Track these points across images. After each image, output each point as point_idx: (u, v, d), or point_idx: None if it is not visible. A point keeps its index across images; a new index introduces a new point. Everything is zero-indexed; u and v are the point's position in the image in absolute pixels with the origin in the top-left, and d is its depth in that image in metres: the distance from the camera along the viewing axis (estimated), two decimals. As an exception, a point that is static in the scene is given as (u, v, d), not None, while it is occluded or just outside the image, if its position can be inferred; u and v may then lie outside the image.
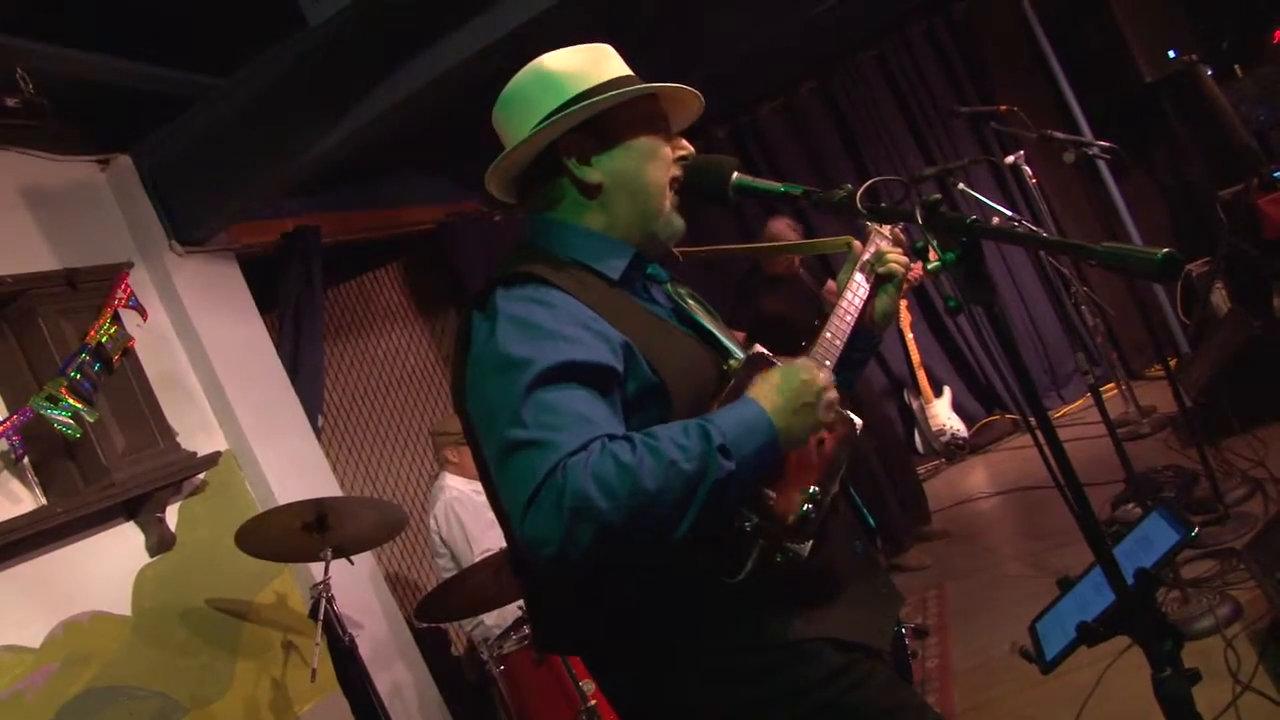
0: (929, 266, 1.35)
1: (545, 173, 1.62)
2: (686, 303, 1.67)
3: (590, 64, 1.61)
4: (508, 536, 1.63)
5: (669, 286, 1.69)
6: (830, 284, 5.16)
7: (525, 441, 1.33)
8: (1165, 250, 1.13)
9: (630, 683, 1.56)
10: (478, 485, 4.30)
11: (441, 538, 4.16)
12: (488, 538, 4.10)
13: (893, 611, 1.68)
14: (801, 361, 1.49)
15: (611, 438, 1.32)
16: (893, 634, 1.70)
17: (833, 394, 1.46)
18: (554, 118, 1.55)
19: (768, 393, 1.42)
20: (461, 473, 4.31)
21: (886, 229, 1.82)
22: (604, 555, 1.29)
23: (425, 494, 5.33)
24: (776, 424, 1.39)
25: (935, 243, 1.35)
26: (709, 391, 1.50)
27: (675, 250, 1.75)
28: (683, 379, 1.48)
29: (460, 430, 4.67)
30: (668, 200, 1.62)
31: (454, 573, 3.88)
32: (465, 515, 4.15)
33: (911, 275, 1.84)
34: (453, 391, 1.57)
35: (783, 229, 5.04)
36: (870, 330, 1.81)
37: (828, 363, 1.61)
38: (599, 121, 1.58)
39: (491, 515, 4.56)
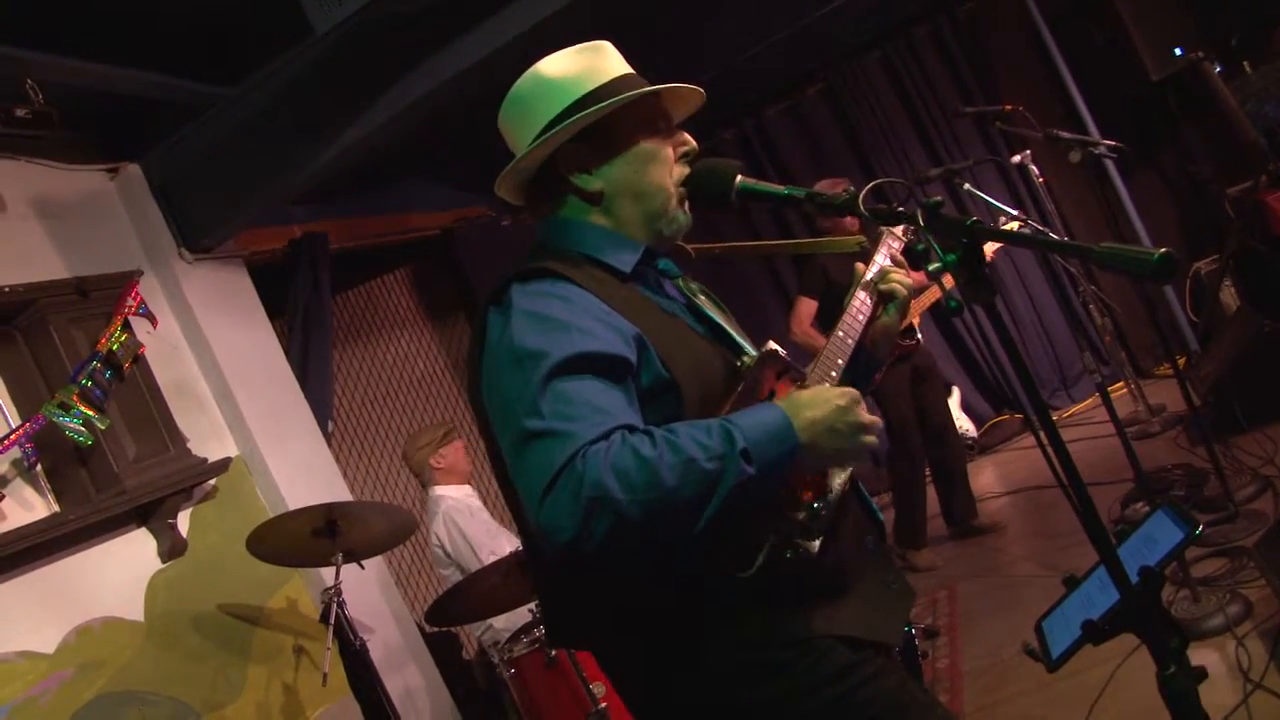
0: (930, 268, 1.36)
1: (548, 182, 1.64)
2: (698, 298, 1.69)
3: (587, 66, 1.61)
4: (522, 528, 1.65)
5: (680, 282, 1.70)
6: None
7: (542, 431, 1.34)
8: (1162, 250, 1.14)
9: (641, 679, 1.57)
10: (468, 489, 4.30)
11: (446, 552, 4.12)
12: (494, 543, 4.09)
13: (905, 608, 1.68)
14: (829, 389, 1.47)
15: (631, 430, 1.34)
16: (905, 630, 1.70)
17: (867, 431, 1.45)
18: (549, 132, 1.57)
19: (796, 407, 1.42)
20: (450, 478, 4.27)
21: (897, 238, 1.83)
22: (619, 547, 1.30)
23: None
24: (801, 437, 1.39)
25: (936, 244, 1.36)
26: (719, 387, 1.51)
27: (689, 247, 1.76)
28: (693, 374, 1.49)
29: (435, 437, 4.64)
30: (672, 199, 1.63)
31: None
32: (466, 524, 4.13)
33: (914, 280, 1.84)
34: (469, 386, 1.58)
35: (828, 187, 4.99)
36: (870, 353, 1.80)
37: (841, 360, 1.62)
38: (597, 128, 1.59)
39: (488, 517, 4.51)
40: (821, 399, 1.44)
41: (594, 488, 1.27)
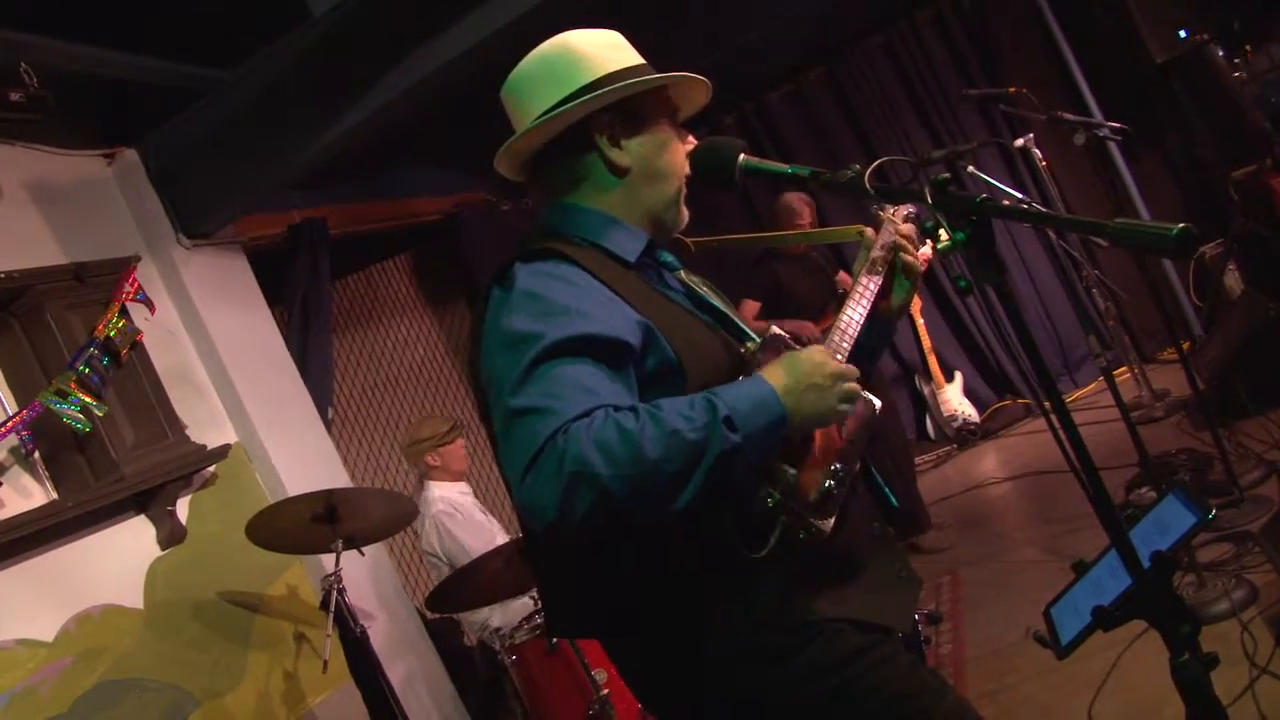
0: (939, 247, 1.34)
1: (569, 150, 1.62)
2: (700, 289, 1.68)
3: (613, 48, 1.63)
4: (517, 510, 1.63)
5: (682, 274, 1.69)
6: (842, 274, 5.20)
7: (526, 409, 1.33)
8: (1181, 225, 1.11)
9: (647, 665, 1.56)
10: (463, 485, 4.28)
11: (438, 554, 4.12)
12: (484, 544, 4.06)
13: (913, 594, 1.67)
14: (815, 347, 1.48)
15: (616, 408, 1.32)
16: (913, 616, 1.69)
17: (848, 385, 1.45)
18: (589, 95, 1.56)
19: (777, 371, 1.42)
20: (445, 475, 4.26)
21: (899, 217, 1.80)
22: (603, 522, 1.28)
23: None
24: (785, 402, 1.38)
25: (945, 222, 1.33)
26: (723, 372, 1.50)
27: (689, 240, 1.76)
28: (698, 358, 1.49)
29: (434, 434, 4.64)
30: (684, 189, 1.66)
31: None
32: (455, 527, 4.11)
33: (922, 258, 1.82)
34: (470, 365, 1.57)
35: (795, 201, 5.09)
36: (886, 319, 1.79)
37: (845, 344, 1.61)
38: (629, 105, 1.59)
39: (481, 516, 4.46)
40: (799, 360, 1.43)
41: (576, 462, 1.25)
